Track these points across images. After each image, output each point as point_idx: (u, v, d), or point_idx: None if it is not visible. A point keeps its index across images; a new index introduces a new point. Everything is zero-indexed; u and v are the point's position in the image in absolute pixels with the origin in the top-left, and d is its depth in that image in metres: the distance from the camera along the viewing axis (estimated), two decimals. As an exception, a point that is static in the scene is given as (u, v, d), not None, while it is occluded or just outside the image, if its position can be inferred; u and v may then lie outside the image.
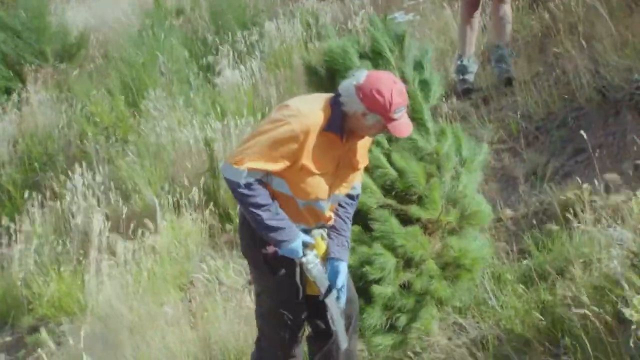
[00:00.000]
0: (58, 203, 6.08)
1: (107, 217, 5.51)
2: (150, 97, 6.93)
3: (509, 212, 4.07)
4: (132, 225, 5.28)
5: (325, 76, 3.16)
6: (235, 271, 4.56)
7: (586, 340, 2.59)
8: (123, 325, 4.34)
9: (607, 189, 3.29)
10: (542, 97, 4.77)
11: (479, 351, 2.83)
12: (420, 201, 3.06)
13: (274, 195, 2.54)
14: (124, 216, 5.45)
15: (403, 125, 2.46)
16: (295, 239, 2.51)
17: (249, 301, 4.09)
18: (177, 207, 5.56)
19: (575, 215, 3.32)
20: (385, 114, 2.41)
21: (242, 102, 6.65)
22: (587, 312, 2.63)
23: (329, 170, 2.53)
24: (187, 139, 6.12)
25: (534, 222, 3.71)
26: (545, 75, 4.93)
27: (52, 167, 7.12)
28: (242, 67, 7.35)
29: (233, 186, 2.48)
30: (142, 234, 5.19)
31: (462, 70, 5.02)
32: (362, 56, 3.07)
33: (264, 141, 2.44)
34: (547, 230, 3.57)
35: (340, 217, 2.70)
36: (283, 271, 2.61)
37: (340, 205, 2.71)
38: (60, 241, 5.60)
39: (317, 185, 2.52)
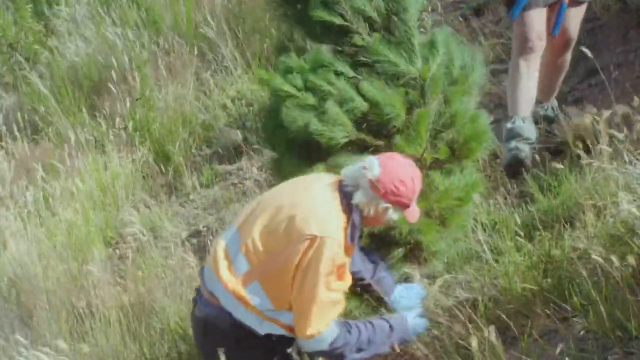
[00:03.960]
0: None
1: (13, 156, 5.40)
2: (65, 7, 6.82)
3: (507, 147, 4.02)
4: (44, 167, 5.17)
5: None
6: (174, 221, 4.50)
7: (599, 300, 2.56)
8: (36, 288, 4.28)
9: (626, 118, 3.23)
10: (548, 5, 4.66)
11: (471, 315, 2.79)
12: (401, 134, 2.94)
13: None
14: (34, 155, 5.38)
15: (415, 210, 2.59)
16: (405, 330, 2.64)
17: (192, 257, 4.04)
18: (101, 144, 5.49)
19: (588, 149, 3.27)
20: (409, 203, 2.54)
21: (179, 13, 6.50)
22: (600, 265, 2.59)
23: None
24: (113, 60, 5.96)
25: (538, 158, 3.65)
26: (553, -22, 4.81)
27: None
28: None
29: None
30: (58, 177, 5.11)
31: (512, 135, 4.10)
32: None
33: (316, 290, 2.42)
34: (553, 169, 3.52)
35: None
36: None
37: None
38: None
39: None
